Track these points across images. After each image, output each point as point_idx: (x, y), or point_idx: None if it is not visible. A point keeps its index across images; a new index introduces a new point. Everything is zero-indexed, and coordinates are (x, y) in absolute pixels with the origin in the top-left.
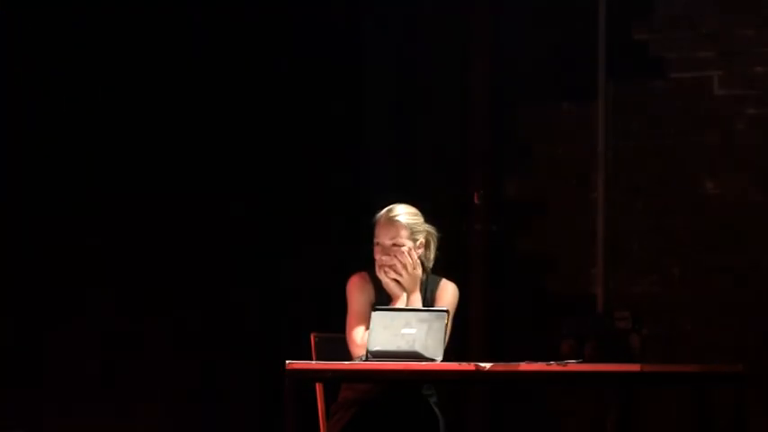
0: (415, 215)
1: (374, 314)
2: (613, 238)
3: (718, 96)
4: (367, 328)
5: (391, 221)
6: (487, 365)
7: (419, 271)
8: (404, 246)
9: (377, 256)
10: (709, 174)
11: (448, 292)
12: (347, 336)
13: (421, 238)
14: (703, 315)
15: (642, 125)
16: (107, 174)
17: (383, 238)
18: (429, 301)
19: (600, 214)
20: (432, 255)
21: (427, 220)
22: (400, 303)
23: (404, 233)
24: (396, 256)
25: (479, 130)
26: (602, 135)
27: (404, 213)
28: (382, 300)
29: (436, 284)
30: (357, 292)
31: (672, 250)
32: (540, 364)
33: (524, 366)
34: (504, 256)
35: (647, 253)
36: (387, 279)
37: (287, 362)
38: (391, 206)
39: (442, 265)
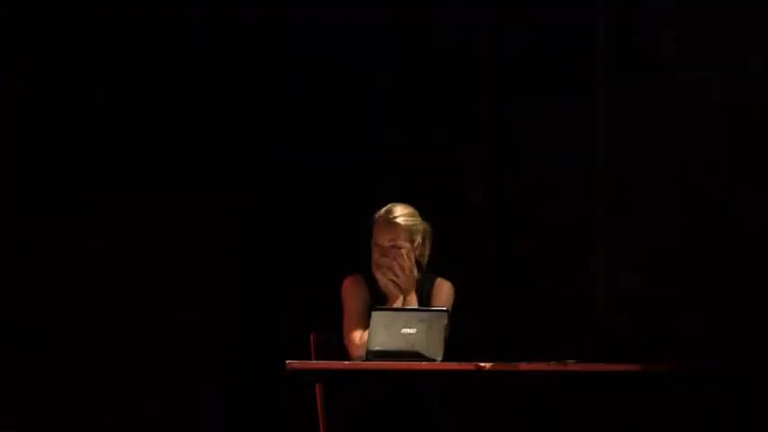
0: (413, 215)
1: (374, 314)
2: (614, 238)
3: (718, 96)
4: (364, 329)
5: (390, 223)
6: (487, 365)
7: (416, 272)
8: (402, 248)
9: (375, 257)
10: (708, 173)
11: (444, 291)
12: (345, 338)
13: (419, 239)
14: (702, 315)
15: (643, 125)
16: (107, 173)
17: (382, 239)
18: (425, 299)
19: (600, 214)
20: (427, 251)
21: (426, 219)
22: (396, 304)
23: (403, 235)
24: (394, 258)
25: (479, 129)
26: (602, 135)
27: (403, 215)
28: (377, 301)
29: (432, 283)
30: (352, 294)
31: (672, 250)
32: (540, 364)
33: (524, 366)
34: (504, 255)
35: (648, 253)
36: (384, 280)
37: (287, 362)
38: (390, 206)
39: (443, 265)
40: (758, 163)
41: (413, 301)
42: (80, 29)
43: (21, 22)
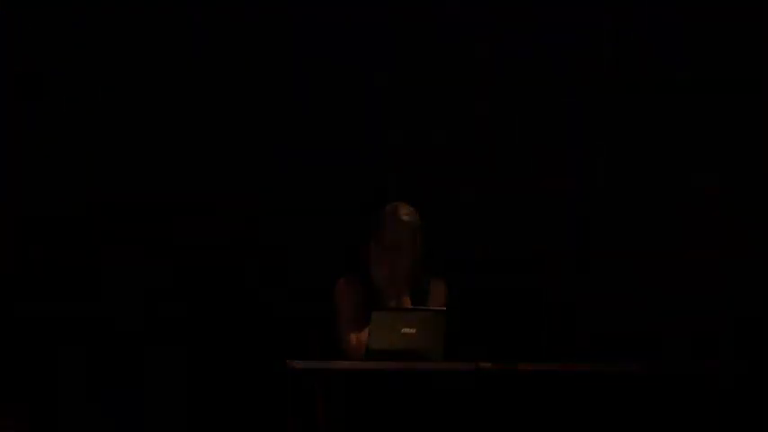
0: (417, 215)
1: (374, 314)
2: (611, 237)
3: (716, 98)
4: (359, 329)
5: (397, 221)
6: (487, 365)
7: (413, 272)
8: (405, 246)
9: (376, 253)
10: (701, 170)
11: (439, 291)
12: (342, 340)
13: (420, 239)
14: (702, 313)
15: (642, 124)
16: (105, 172)
17: (387, 236)
18: (420, 299)
19: (599, 213)
20: (420, 252)
21: (426, 219)
22: (391, 303)
23: (407, 234)
24: (396, 256)
25: (481, 129)
26: (603, 135)
27: (409, 214)
28: (370, 300)
29: (426, 282)
30: (347, 295)
31: (670, 250)
32: (540, 364)
33: (524, 366)
34: (502, 255)
35: (646, 252)
36: (381, 277)
37: (287, 361)
38: (396, 204)
39: (442, 265)
40: (757, 162)
41: (407, 301)
42: (80, 29)
43: (21, 23)
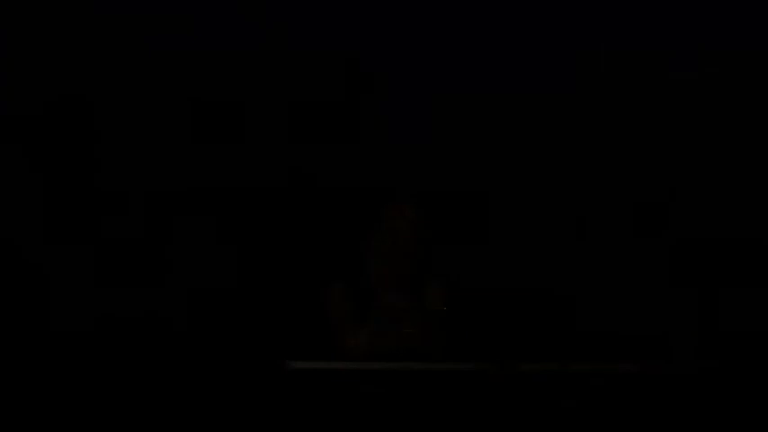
0: (418, 216)
1: (374, 314)
2: (611, 237)
3: (716, 97)
4: (357, 330)
5: (397, 221)
6: (487, 365)
7: (415, 269)
8: (405, 246)
9: (376, 252)
10: (701, 169)
11: (438, 290)
12: (339, 342)
13: (420, 239)
14: (702, 312)
15: (641, 124)
16: (104, 170)
17: (391, 232)
18: (420, 299)
19: (599, 213)
20: (420, 252)
21: (425, 219)
22: (391, 302)
23: (407, 234)
24: (395, 256)
25: (481, 129)
26: (602, 134)
27: (409, 214)
28: (369, 300)
29: (426, 282)
30: (343, 296)
31: (670, 250)
32: (540, 363)
33: (524, 366)
34: (502, 255)
35: (646, 252)
36: (382, 276)
37: (287, 362)
38: (396, 204)
39: (443, 264)
40: (757, 161)
41: (404, 299)
42: (79, 28)
43: (20, 20)
